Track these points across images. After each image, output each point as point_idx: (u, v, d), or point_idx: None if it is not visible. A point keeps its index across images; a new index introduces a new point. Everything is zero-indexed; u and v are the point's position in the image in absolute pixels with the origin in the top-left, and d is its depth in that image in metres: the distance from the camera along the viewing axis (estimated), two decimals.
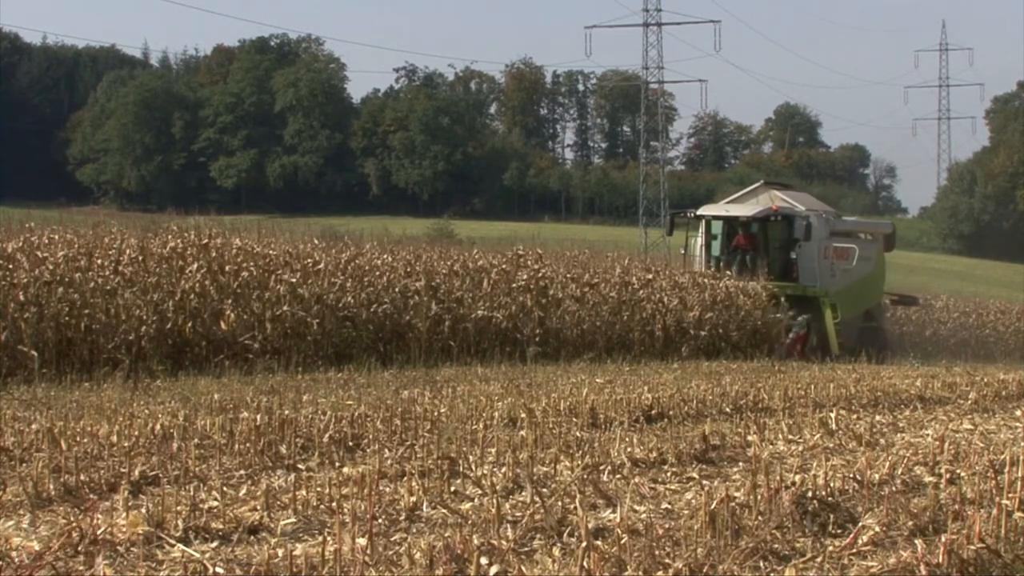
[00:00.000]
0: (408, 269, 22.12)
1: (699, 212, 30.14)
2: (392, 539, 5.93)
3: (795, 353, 26.05)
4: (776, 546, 5.87)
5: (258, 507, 6.50)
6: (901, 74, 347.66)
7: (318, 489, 6.96)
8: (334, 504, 6.61)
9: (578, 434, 9.55)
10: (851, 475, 7.48)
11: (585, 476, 7.53)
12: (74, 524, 5.75)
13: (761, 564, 5.60)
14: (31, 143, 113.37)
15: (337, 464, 8.10)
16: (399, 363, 19.10)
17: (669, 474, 7.87)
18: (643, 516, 6.43)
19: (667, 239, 30.70)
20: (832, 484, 7.05)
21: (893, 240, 33.50)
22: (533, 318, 22.53)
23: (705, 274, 27.74)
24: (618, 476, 7.70)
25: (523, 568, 5.28)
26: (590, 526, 5.84)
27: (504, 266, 23.84)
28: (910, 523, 6.28)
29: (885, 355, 27.71)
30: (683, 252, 29.79)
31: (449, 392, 13.27)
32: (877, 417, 11.38)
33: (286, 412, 10.12)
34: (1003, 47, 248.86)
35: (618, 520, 5.95)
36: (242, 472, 7.75)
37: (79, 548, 5.51)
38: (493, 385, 14.78)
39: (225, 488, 7.08)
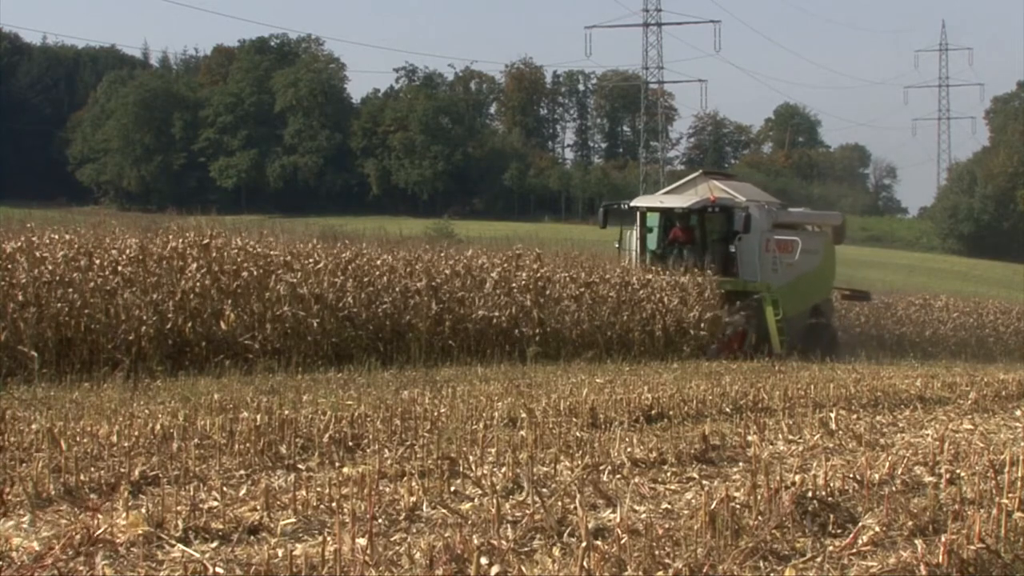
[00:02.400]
0: (408, 269, 22.13)
1: (632, 203, 28.49)
2: (392, 539, 5.93)
3: (731, 352, 24.51)
4: (776, 546, 5.87)
5: (258, 507, 6.50)
6: (901, 74, 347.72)
7: (318, 489, 6.96)
8: (334, 504, 6.62)
9: (578, 434, 9.55)
10: (851, 475, 7.48)
11: (585, 476, 7.54)
12: (74, 524, 5.75)
13: (761, 564, 5.60)
14: (31, 143, 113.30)
15: (337, 464, 8.10)
16: (399, 363, 19.10)
17: (669, 474, 7.87)
18: (643, 516, 6.43)
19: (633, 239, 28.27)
20: (832, 484, 7.05)
21: (843, 232, 32.11)
22: (533, 318, 22.53)
23: (638, 270, 26.37)
24: (618, 476, 7.70)
25: (523, 568, 5.28)
26: (590, 526, 5.84)
27: (504, 266, 23.84)
28: (910, 523, 6.28)
29: (833, 354, 26.36)
30: (617, 246, 28.09)
31: (449, 392, 13.27)
32: (877, 417, 11.38)
33: (286, 412, 10.12)
34: (1003, 47, 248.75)
35: (618, 520, 5.95)
36: (242, 472, 7.75)
37: (79, 548, 5.51)
38: (493, 385, 14.78)
39: (225, 488, 7.08)
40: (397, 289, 21.13)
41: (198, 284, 18.35)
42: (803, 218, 31.66)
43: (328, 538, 5.65)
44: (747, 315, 25.97)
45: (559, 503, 6.46)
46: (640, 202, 28.64)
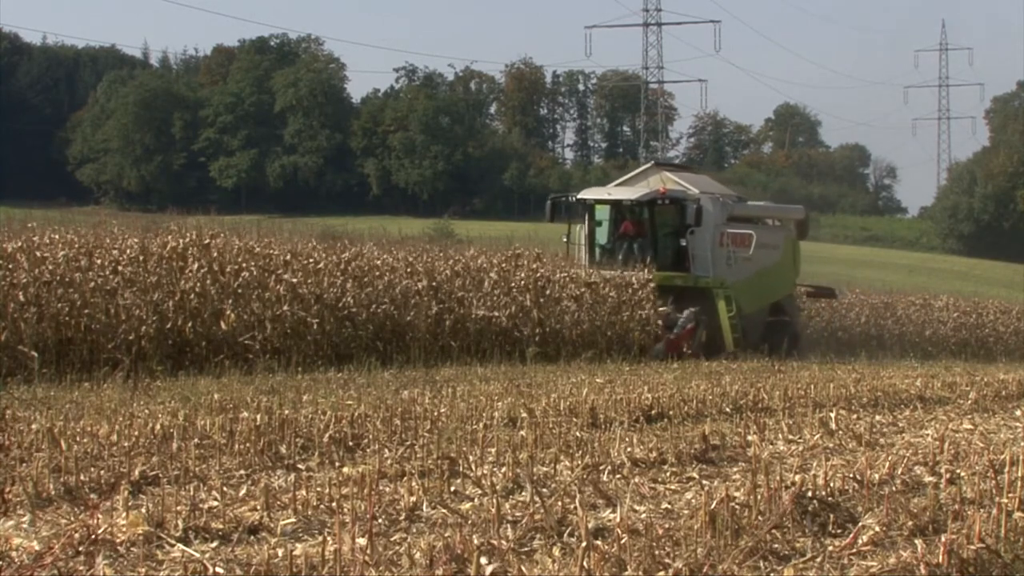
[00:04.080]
0: (408, 269, 22.14)
1: (580, 195, 27.16)
2: (392, 539, 5.93)
3: (679, 351, 23.56)
4: (776, 546, 5.87)
5: (258, 507, 6.50)
6: (901, 74, 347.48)
7: (318, 489, 6.96)
8: (334, 504, 6.62)
9: (578, 434, 9.55)
10: (851, 475, 7.48)
11: (585, 476, 7.54)
12: (74, 524, 5.75)
13: (761, 564, 5.60)
14: (31, 143, 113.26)
15: (337, 464, 8.10)
16: (399, 363, 19.11)
17: (669, 474, 7.87)
18: (643, 516, 6.43)
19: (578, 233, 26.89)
20: (832, 484, 7.05)
21: (807, 226, 30.75)
22: (533, 318, 22.53)
23: (586, 265, 25.37)
24: (618, 476, 7.70)
25: (523, 568, 5.28)
26: (590, 526, 5.84)
27: (503, 266, 23.84)
28: (910, 523, 6.28)
29: (795, 353, 25.82)
30: (565, 241, 26.90)
31: (449, 392, 13.27)
32: (877, 417, 11.38)
33: (286, 412, 10.12)
34: (1003, 47, 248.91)
35: (618, 520, 5.95)
36: (242, 472, 7.75)
37: (79, 548, 5.51)
38: (493, 385, 14.79)
39: (225, 488, 7.08)
40: (397, 289, 21.14)
41: (198, 284, 18.36)
42: (762, 211, 30.66)
43: (328, 538, 5.65)
44: (696, 312, 24.84)
45: (559, 503, 6.46)
46: (588, 194, 27.53)
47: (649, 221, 26.22)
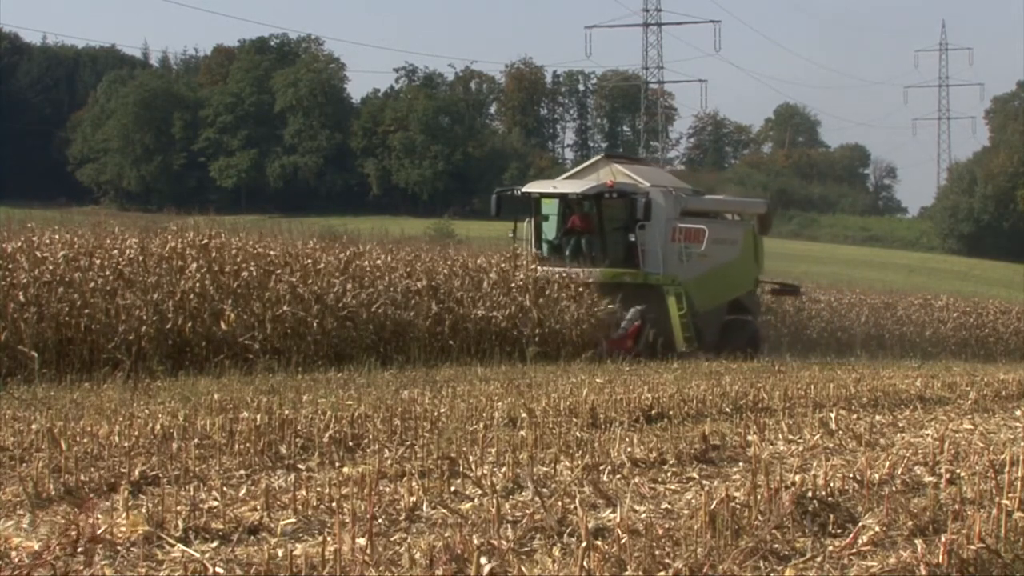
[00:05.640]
0: (408, 269, 22.14)
1: (525, 189, 26.00)
2: (392, 539, 5.93)
3: (624, 350, 22.61)
4: (776, 546, 5.86)
5: (258, 507, 6.50)
6: (901, 74, 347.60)
7: (318, 489, 6.96)
8: (334, 504, 6.62)
9: (578, 434, 9.55)
10: (851, 475, 7.48)
11: (585, 476, 7.53)
12: (72, 522, 5.75)
13: (761, 564, 5.60)
14: (31, 143, 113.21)
15: (337, 464, 8.10)
16: (399, 363, 19.11)
17: (669, 474, 7.87)
18: (643, 516, 6.42)
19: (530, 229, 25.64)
20: (832, 484, 7.05)
21: (770, 221, 29.20)
22: (532, 318, 22.52)
23: (529, 261, 24.30)
24: (618, 476, 7.70)
25: (523, 568, 5.27)
26: (590, 526, 5.83)
27: (503, 265, 23.82)
28: (910, 523, 6.28)
29: (755, 353, 24.73)
30: (511, 236, 25.72)
31: (449, 392, 13.28)
32: (877, 417, 11.38)
33: (286, 412, 10.12)
34: (1003, 47, 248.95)
35: (618, 520, 5.95)
36: (242, 472, 7.75)
37: (77, 547, 5.51)
38: (493, 385, 14.79)
39: (225, 488, 7.08)
40: (397, 289, 21.14)
41: (198, 284, 18.37)
42: (718, 205, 29.36)
43: (328, 538, 5.65)
44: (643, 310, 23.77)
45: (559, 503, 6.46)
46: (534, 187, 26.40)
47: (597, 215, 25.21)
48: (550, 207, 25.67)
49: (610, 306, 23.62)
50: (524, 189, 26.06)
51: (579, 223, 25.27)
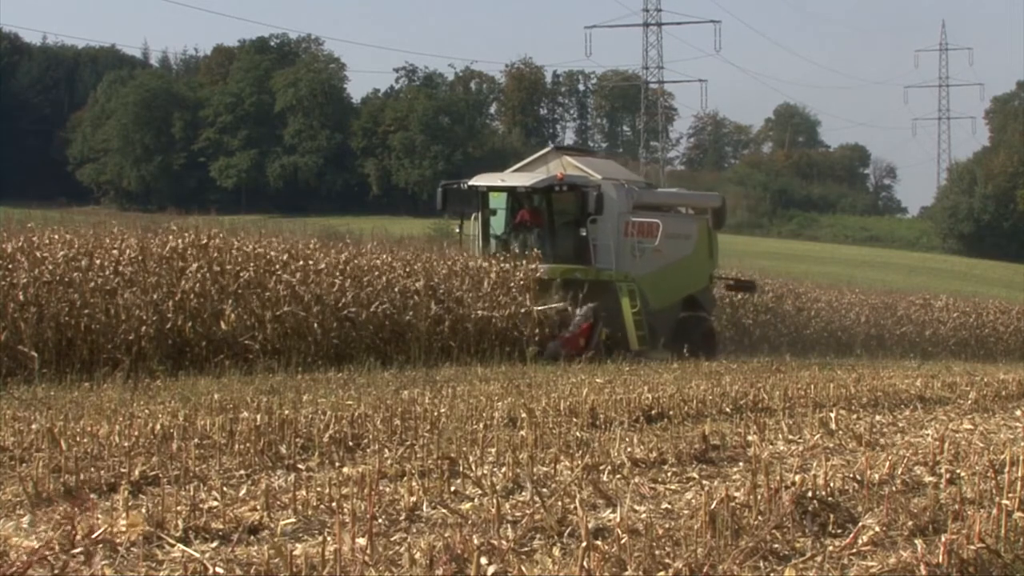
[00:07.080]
0: (408, 269, 22.12)
1: (472, 182, 24.71)
2: (392, 539, 5.93)
3: (576, 349, 21.91)
4: (776, 546, 5.87)
5: (258, 507, 6.50)
6: (901, 74, 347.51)
7: (318, 489, 6.96)
8: (334, 504, 6.62)
9: (578, 434, 9.55)
10: (851, 475, 7.49)
11: (585, 476, 7.53)
12: (72, 522, 5.75)
13: (761, 564, 5.60)
14: (31, 143, 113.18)
15: (337, 464, 8.10)
16: (399, 363, 19.11)
17: (669, 474, 7.87)
18: (643, 516, 6.43)
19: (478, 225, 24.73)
20: (832, 484, 7.05)
21: (723, 215, 28.05)
22: (532, 318, 22.50)
23: (477, 257, 23.56)
24: (618, 476, 7.70)
25: (523, 568, 5.28)
26: (590, 526, 5.84)
27: (503, 265, 23.79)
28: (910, 523, 6.28)
29: (710, 352, 24.11)
30: (458, 231, 25.07)
31: (449, 392, 13.28)
32: (877, 417, 11.38)
33: (286, 412, 10.13)
34: (1003, 47, 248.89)
35: (618, 520, 5.95)
36: (242, 472, 7.75)
37: (77, 547, 5.51)
38: (493, 385, 14.79)
39: (225, 488, 7.09)
40: (397, 289, 21.13)
41: (198, 284, 18.36)
42: (672, 199, 28.30)
43: (328, 538, 5.65)
44: (595, 307, 22.70)
45: (559, 503, 6.46)
46: (480, 181, 24.96)
47: (547, 209, 24.21)
48: (498, 201, 24.62)
49: (558, 303, 22.75)
50: (471, 182, 24.81)
51: (528, 218, 24.36)
